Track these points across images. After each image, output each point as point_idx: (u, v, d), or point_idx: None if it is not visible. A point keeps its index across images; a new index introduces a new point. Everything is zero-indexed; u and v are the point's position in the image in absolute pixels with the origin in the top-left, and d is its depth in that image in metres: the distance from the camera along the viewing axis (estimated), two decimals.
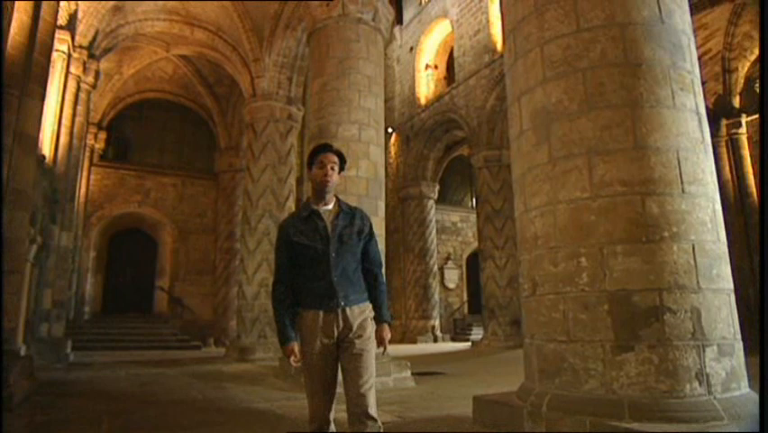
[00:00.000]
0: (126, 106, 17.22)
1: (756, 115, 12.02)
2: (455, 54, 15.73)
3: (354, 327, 2.30)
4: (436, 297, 16.97)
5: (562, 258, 3.42)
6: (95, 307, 15.78)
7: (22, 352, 6.90)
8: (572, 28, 3.60)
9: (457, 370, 8.16)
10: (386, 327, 2.44)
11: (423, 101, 17.24)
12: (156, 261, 17.37)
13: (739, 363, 3.15)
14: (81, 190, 13.94)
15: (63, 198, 9.72)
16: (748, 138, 12.30)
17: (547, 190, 3.58)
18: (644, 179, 3.23)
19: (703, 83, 5.16)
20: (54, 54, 7.75)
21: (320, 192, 2.43)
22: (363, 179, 6.95)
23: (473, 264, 18.70)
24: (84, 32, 10.61)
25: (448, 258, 20.00)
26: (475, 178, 14.52)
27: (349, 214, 2.44)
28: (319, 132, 7.13)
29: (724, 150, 12.21)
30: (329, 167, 2.40)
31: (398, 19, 18.12)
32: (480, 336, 14.20)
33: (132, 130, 17.65)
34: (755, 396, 3.07)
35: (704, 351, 3.01)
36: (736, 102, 12.32)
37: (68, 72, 9.80)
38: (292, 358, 2.31)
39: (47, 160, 8.72)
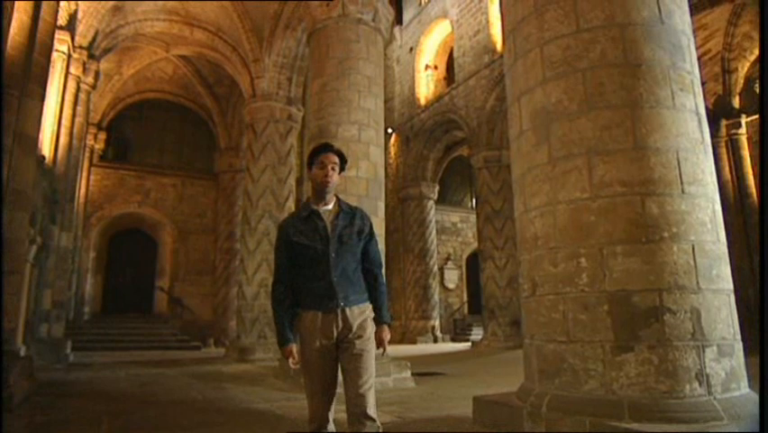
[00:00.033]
0: (126, 107, 17.22)
1: (756, 116, 12.02)
2: (455, 54, 15.73)
3: (354, 328, 2.29)
4: (436, 297, 16.97)
5: (561, 258, 3.42)
6: (94, 307, 15.78)
7: (22, 352, 6.90)
8: (572, 28, 3.61)
9: (457, 370, 8.16)
10: (385, 328, 2.43)
11: (423, 101, 17.24)
12: (156, 261, 17.37)
13: (739, 363, 3.15)
14: (81, 191, 13.94)
15: (63, 199, 9.72)
16: (748, 138, 12.30)
17: (547, 191, 3.58)
18: (644, 180, 3.23)
19: (703, 83, 5.16)
20: (54, 54, 7.75)
21: (320, 192, 2.42)
22: (363, 179, 6.95)
23: (473, 265, 18.70)
24: (84, 33, 10.61)
25: (448, 258, 20.01)
26: (475, 178, 14.52)
27: (349, 214, 2.43)
28: (319, 132, 7.13)
29: (724, 150, 12.22)
30: (329, 167, 2.39)
31: (398, 19, 18.13)
32: (480, 337, 14.20)
33: (132, 130, 17.65)
34: (755, 396, 3.07)
35: (704, 351, 3.01)
36: (736, 102, 12.33)
37: (67, 72, 9.80)
38: (290, 360, 2.31)
39: (47, 160, 8.72)
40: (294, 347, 2.32)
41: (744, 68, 12.22)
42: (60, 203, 9.54)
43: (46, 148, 8.77)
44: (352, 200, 2.64)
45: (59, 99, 9.31)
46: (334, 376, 2.32)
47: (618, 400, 3.01)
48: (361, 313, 2.34)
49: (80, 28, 10.45)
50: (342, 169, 2.46)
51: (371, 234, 2.48)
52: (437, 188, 17.74)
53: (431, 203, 17.53)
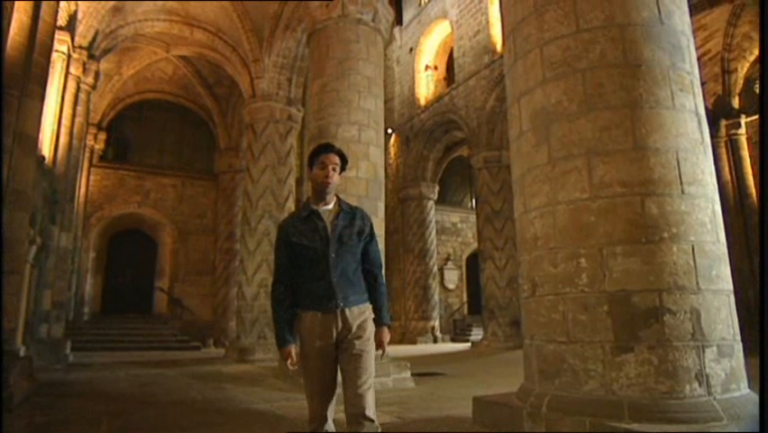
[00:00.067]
0: (126, 107, 17.22)
1: (756, 116, 12.03)
2: (455, 55, 15.74)
3: (353, 329, 2.28)
4: (436, 297, 16.97)
5: (561, 259, 3.42)
6: (94, 307, 15.77)
7: (22, 353, 6.90)
8: (572, 29, 3.61)
9: (457, 371, 8.16)
10: (385, 330, 2.42)
11: (422, 102, 17.25)
12: (155, 261, 17.37)
13: (739, 363, 3.15)
14: (81, 191, 13.94)
15: (63, 199, 9.72)
16: (748, 139, 12.31)
17: (547, 191, 3.59)
18: (644, 180, 3.23)
19: (702, 84, 5.17)
20: (54, 55, 7.75)
21: (320, 193, 2.41)
22: (363, 180, 6.95)
23: (473, 265, 18.70)
24: (83, 33, 10.61)
25: (448, 259, 20.01)
26: (475, 178, 14.52)
27: (349, 214, 2.41)
28: (319, 133, 7.13)
29: (723, 151, 12.23)
30: (330, 168, 2.38)
31: (398, 20, 18.14)
32: (480, 337, 14.20)
33: (132, 130, 17.65)
34: (755, 397, 3.07)
35: (704, 352, 3.01)
36: (736, 103, 12.33)
37: (67, 73, 9.80)
38: (288, 361, 2.31)
39: (46, 160, 8.72)
40: (292, 349, 2.31)
41: (743, 68, 12.22)
42: (60, 203, 9.54)
43: (46, 148, 8.77)
44: (351, 201, 2.63)
45: (59, 99, 9.31)
46: (334, 377, 2.31)
47: (618, 400, 3.01)
48: (360, 314, 2.33)
49: (80, 28, 10.46)
50: (342, 169, 2.45)
51: (372, 235, 2.47)
52: (437, 188, 17.74)
53: (431, 203, 17.53)
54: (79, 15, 10.25)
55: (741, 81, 12.30)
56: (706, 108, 3.63)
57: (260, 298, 10.73)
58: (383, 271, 2.55)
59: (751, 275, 10.83)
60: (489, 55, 14.01)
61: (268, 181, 11.34)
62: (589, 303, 3.23)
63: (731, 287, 3.31)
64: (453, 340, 17.31)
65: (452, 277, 19.94)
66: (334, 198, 2.45)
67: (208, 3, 11.89)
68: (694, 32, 4.36)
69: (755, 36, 11.47)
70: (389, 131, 17.54)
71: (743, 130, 12.30)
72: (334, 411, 2.34)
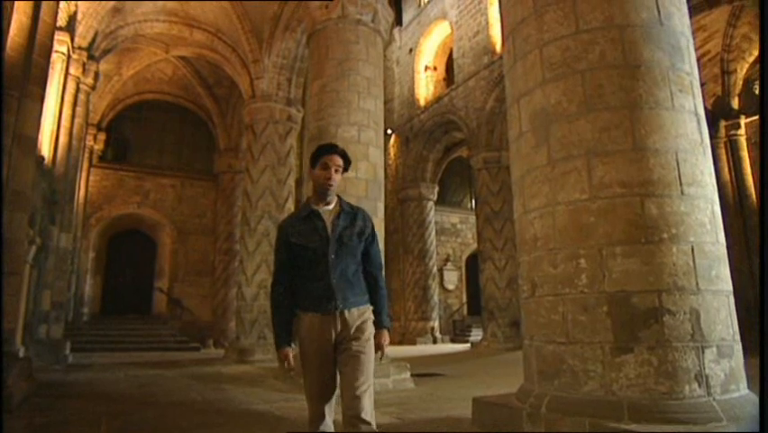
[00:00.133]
0: (125, 108, 17.22)
1: (755, 117, 12.04)
2: (454, 56, 15.75)
3: (352, 330, 2.27)
4: (436, 298, 16.97)
5: (561, 259, 3.42)
6: (93, 308, 15.76)
7: (21, 353, 6.89)
8: (571, 30, 3.61)
9: (456, 371, 8.16)
10: (385, 332, 2.40)
11: (422, 102, 17.25)
12: (155, 262, 17.36)
13: (738, 364, 3.15)
14: (80, 191, 13.92)
15: (62, 199, 9.71)
16: (747, 139, 12.32)
17: (546, 192, 3.59)
18: (643, 181, 3.23)
19: (702, 84, 5.17)
20: (53, 55, 7.74)
21: (322, 193, 2.39)
22: (363, 180, 6.96)
23: (473, 266, 18.70)
24: (83, 34, 10.61)
25: (447, 259, 20.00)
26: (474, 179, 14.52)
27: (350, 214, 2.39)
28: (318, 133, 7.13)
29: (723, 151, 12.24)
30: (333, 169, 2.36)
31: (398, 20, 18.15)
32: (480, 338, 14.20)
33: (132, 131, 17.65)
34: (755, 397, 3.07)
35: (703, 352, 3.01)
36: (735, 103, 12.35)
37: (67, 73, 9.79)
38: (286, 364, 2.29)
39: (46, 161, 8.71)
40: (290, 351, 2.30)
41: (743, 69, 12.24)
42: (60, 204, 9.53)
43: (45, 149, 8.76)
44: (351, 201, 2.63)
45: (59, 100, 9.30)
46: (333, 378, 2.29)
47: (618, 401, 3.01)
48: (360, 315, 2.31)
49: (80, 29, 10.45)
50: (345, 170, 2.43)
51: (373, 236, 2.44)
52: (437, 189, 17.74)
53: (430, 204, 17.53)
54: (79, 16, 10.25)
55: (740, 82, 12.32)
56: (705, 109, 3.63)
57: (259, 298, 10.73)
58: (383, 273, 2.53)
59: (750, 276, 10.84)
60: (489, 56, 14.02)
61: (267, 182, 11.34)
62: (589, 304, 3.24)
63: (730, 287, 3.32)
64: (453, 341, 17.31)
65: (452, 278, 19.94)
66: (336, 199, 2.43)
67: (208, 3, 11.90)
68: (693, 33, 4.36)
69: (755, 37, 11.48)
70: (389, 131, 17.54)
71: (742, 131, 12.32)
72: (337, 412, 2.33)
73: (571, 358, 3.26)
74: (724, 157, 12.22)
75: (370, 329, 2.33)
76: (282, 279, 2.37)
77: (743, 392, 3.10)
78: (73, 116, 10.33)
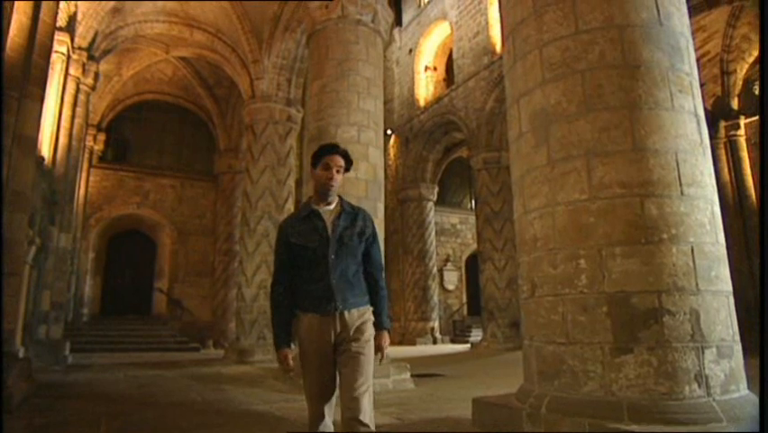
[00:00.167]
0: (125, 108, 17.21)
1: (755, 117, 12.05)
2: (454, 56, 15.75)
3: (352, 331, 2.26)
4: (435, 299, 16.97)
5: (561, 260, 3.42)
6: (93, 308, 15.75)
7: (21, 354, 6.89)
8: (571, 30, 3.61)
9: (456, 372, 8.16)
10: (385, 334, 2.38)
11: (422, 103, 17.25)
12: (155, 262, 17.36)
13: (738, 364, 3.15)
14: (80, 192, 13.91)
15: (62, 200, 9.71)
16: (747, 140, 12.33)
17: (546, 192, 3.59)
18: (643, 181, 3.23)
19: (702, 85, 5.17)
20: (53, 56, 7.74)
21: (323, 193, 2.38)
22: (362, 180, 6.96)
23: (472, 266, 18.70)
24: (83, 34, 10.61)
25: (447, 260, 20.00)
26: (474, 179, 14.53)
27: (351, 214, 2.38)
28: (318, 133, 7.13)
29: (722, 152, 12.25)
30: (334, 170, 2.34)
31: (398, 21, 18.15)
32: (480, 338, 14.20)
33: (132, 131, 17.64)
34: (755, 398, 3.07)
35: (703, 353, 3.01)
36: (735, 104, 12.35)
37: (67, 74, 9.79)
38: (284, 364, 2.28)
39: (46, 161, 8.71)
40: (289, 352, 2.28)
41: (742, 69, 12.25)
42: (59, 204, 9.53)
43: (45, 149, 8.76)
44: (350, 202, 2.62)
45: (59, 100, 9.30)
46: (333, 379, 2.28)
47: (618, 401, 3.01)
48: (360, 316, 2.29)
49: (80, 29, 10.45)
50: (346, 170, 2.42)
51: (374, 236, 2.43)
52: (437, 189, 17.74)
53: (430, 204, 17.53)
54: (79, 16, 10.25)
55: (740, 82, 12.32)
56: (705, 109, 3.63)
57: (259, 299, 10.73)
58: (383, 274, 2.51)
59: (750, 276, 10.84)
60: (489, 56, 14.02)
61: (267, 182, 11.34)
62: (589, 304, 3.24)
63: (730, 288, 3.32)
64: (453, 341, 17.31)
65: (452, 278, 19.94)
66: (337, 199, 2.42)
67: (208, 4, 11.90)
68: (693, 33, 4.36)
69: (754, 37, 11.49)
70: (389, 132, 17.54)
71: (742, 131, 12.32)
72: (337, 413, 2.33)
73: (571, 359, 3.26)
74: (724, 157, 12.22)
75: (370, 330, 2.32)
76: (282, 279, 2.36)
77: (743, 393, 3.10)
78: (73, 117, 10.33)
